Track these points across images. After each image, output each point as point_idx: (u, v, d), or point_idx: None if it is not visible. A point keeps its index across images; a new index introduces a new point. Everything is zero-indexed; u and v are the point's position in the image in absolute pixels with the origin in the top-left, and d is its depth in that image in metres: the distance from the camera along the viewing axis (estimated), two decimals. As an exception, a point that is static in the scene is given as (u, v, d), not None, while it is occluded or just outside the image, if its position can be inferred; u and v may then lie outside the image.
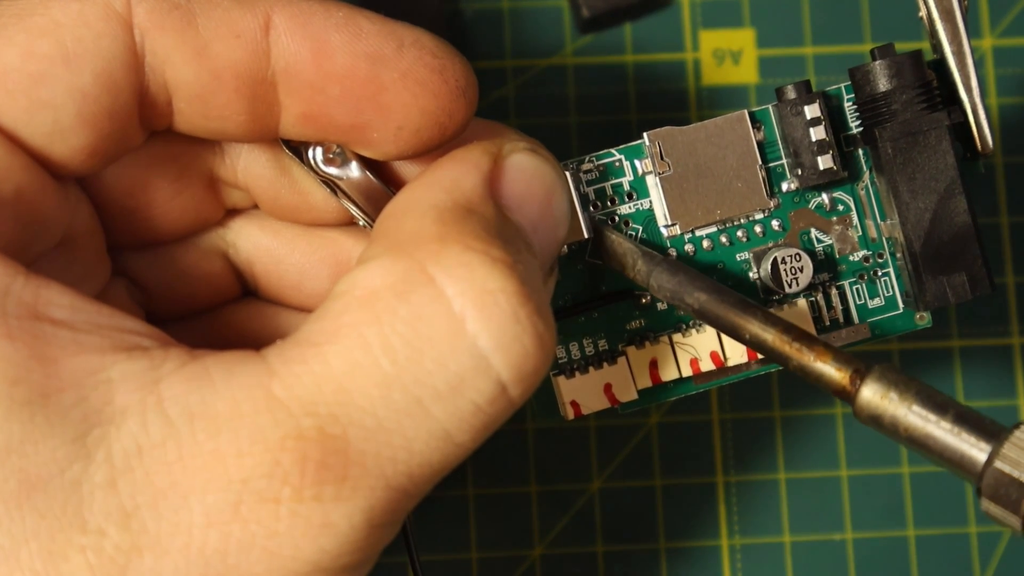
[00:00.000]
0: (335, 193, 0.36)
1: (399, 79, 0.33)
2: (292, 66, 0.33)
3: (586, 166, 0.38)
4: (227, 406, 0.29)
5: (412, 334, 0.30)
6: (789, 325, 0.34)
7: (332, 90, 0.33)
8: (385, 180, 0.36)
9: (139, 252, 0.37)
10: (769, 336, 0.34)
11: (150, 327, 0.31)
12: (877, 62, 0.37)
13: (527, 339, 0.30)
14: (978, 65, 0.48)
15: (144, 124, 0.34)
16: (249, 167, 0.37)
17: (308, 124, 0.34)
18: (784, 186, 0.38)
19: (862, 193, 0.39)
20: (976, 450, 0.32)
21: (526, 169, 0.34)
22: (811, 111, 0.38)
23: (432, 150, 0.35)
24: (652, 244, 0.38)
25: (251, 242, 0.38)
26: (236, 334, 0.38)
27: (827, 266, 0.39)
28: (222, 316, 0.39)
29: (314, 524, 0.29)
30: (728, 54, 0.48)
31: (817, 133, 0.38)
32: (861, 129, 0.38)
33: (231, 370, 0.30)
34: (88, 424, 0.29)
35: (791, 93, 0.38)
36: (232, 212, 0.38)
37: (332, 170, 0.36)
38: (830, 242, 0.39)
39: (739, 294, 0.35)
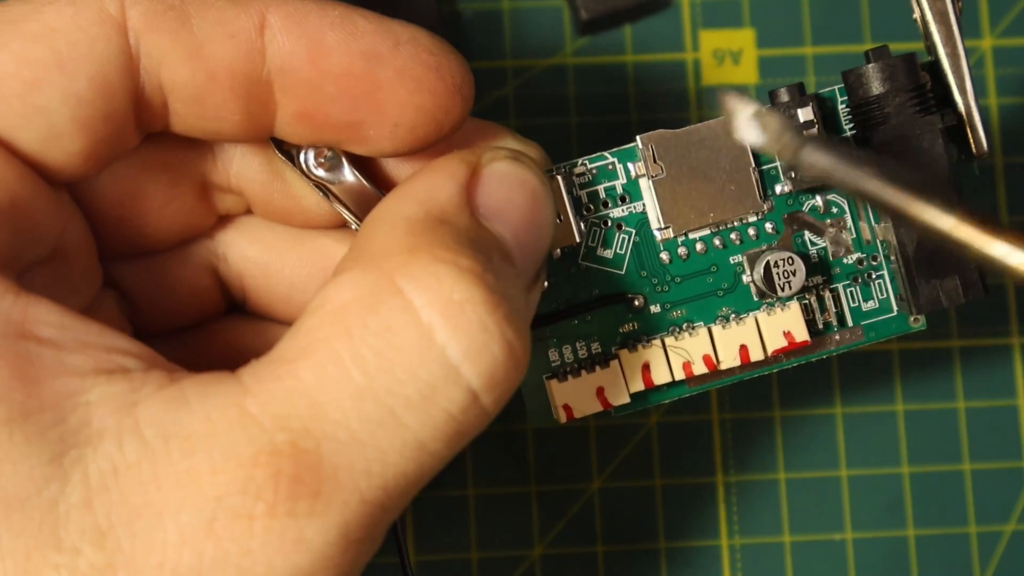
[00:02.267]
0: (327, 196, 0.36)
1: (395, 77, 0.34)
2: (288, 65, 0.33)
3: (579, 169, 0.38)
4: (202, 426, 0.29)
5: (382, 345, 0.30)
6: (971, 210, 0.30)
7: (328, 88, 0.34)
8: (377, 183, 0.36)
9: (129, 263, 0.37)
10: (947, 223, 0.30)
11: (137, 344, 0.31)
12: (870, 65, 0.37)
13: (496, 348, 0.30)
14: (978, 65, 0.48)
15: (139, 126, 0.34)
16: (242, 171, 0.37)
17: (303, 123, 0.34)
18: (777, 189, 0.38)
19: (856, 195, 0.39)
20: None
21: (506, 177, 0.33)
22: (804, 114, 0.38)
23: (428, 147, 0.35)
24: (645, 247, 0.38)
25: (242, 255, 0.38)
26: (223, 350, 0.38)
27: (821, 269, 0.39)
28: (210, 331, 0.39)
29: (288, 540, 0.29)
30: (728, 54, 0.48)
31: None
32: (854, 132, 0.38)
33: (206, 391, 0.30)
34: (66, 445, 0.29)
35: (784, 96, 0.38)
36: (224, 220, 0.38)
37: (323, 174, 0.36)
38: (824, 245, 0.39)
39: (911, 171, 0.33)
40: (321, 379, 0.30)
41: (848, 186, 0.31)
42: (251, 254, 0.38)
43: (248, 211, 0.38)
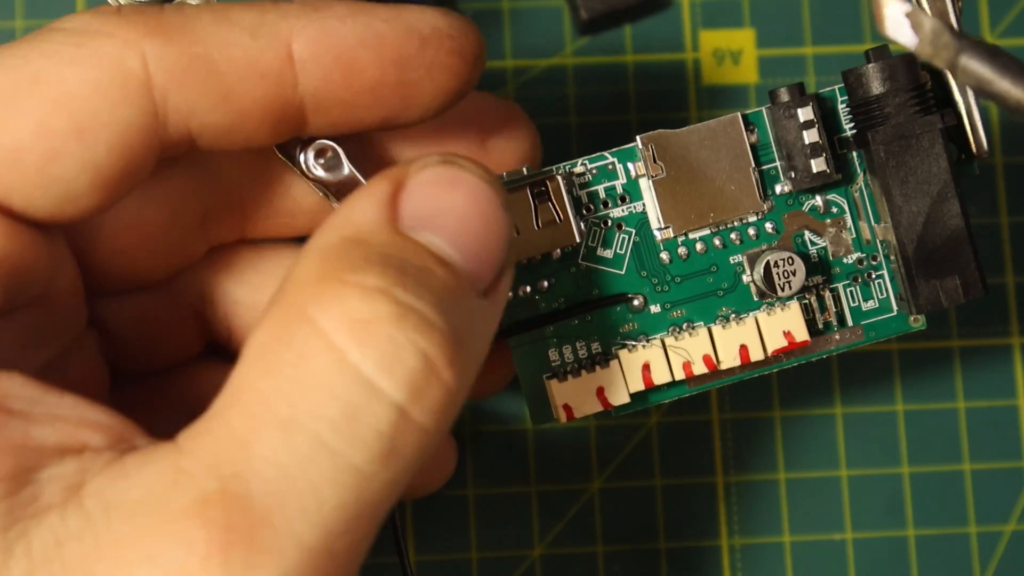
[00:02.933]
0: (327, 196, 0.36)
1: (425, 74, 0.34)
2: (321, 90, 0.33)
3: (579, 169, 0.38)
4: (141, 491, 0.29)
5: (301, 374, 0.29)
6: None
7: (362, 100, 0.34)
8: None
9: (115, 300, 0.37)
10: None
11: (108, 414, 0.31)
12: (870, 65, 0.37)
13: (409, 358, 0.30)
14: (978, 65, 0.48)
15: (158, 164, 0.34)
16: (242, 181, 0.37)
17: (334, 130, 0.34)
18: (777, 188, 0.38)
19: (856, 195, 0.39)
20: None
21: (436, 182, 0.33)
22: (804, 114, 0.38)
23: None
24: (645, 247, 0.38)
25: (228, 296, 0.38)
26: (205, 392, 0.37)
27: (821, 269, 0.39)
28: (191, 372, 0.39)
29: None
30: (728, 54, 0.48)
31: (810, 136, 0.38)
32: (854, 132, 0.38)
33: (145, 459, 0.29)
34: (12, 519, 0.28)
35: (784, 96, 0.38)
36: (212, 258, 0.38)
37: (323, 173, 0.36)
38: (824, 244, 0.39)
39: None
40: (249, 419, 0.29)
41: (1007, 99, 0.29)
42: (238, 296, 0.38)
43: (240, 239, 0.38)
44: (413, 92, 0.34)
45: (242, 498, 0.28)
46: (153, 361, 0.38)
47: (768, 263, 0.38)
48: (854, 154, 0.39)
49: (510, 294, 0.38)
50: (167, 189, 0.36)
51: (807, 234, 0.39)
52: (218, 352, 0.39)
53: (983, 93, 0.30)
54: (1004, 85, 0.29)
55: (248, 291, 0.38)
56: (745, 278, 0.38)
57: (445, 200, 0.32)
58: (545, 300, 0.38)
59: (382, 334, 0.29)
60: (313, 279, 0.30)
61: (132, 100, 0.32)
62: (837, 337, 0.39)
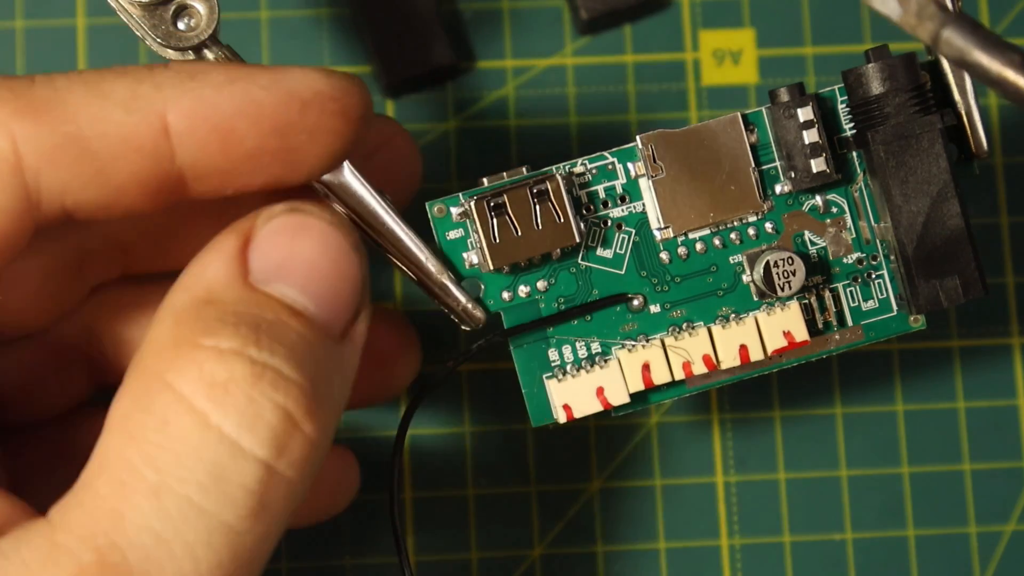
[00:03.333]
0: (328, 196, 0.36)
1: (308, 139, 0.33)
2: (200, 161, 0.33)
3: (579, 169, 0.38)
4: (18, 570, 0.29)
5: (165, 439, 0.30)
6: None
7: (244, 169, 0.33)
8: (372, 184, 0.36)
9: None
10: None
11: None
12: (870, 65, 0.37)
13: (268, 415, 0.30)
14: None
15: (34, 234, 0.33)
16: (120, 223, 0.36)
17: (218, 195, 0.34)
18: (777, 188, 0.38)
19: (856, 195, 0.39)
20: None
21: (283, 231, 0.33)
22: (804, 114, 0.38)
23: None
24: (645, 247, 0.38)
25: (117, 338, 0.38)
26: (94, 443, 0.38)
27: (821, 268, 0.39)
28: (80, 422, 0.38)
29: None
30: (728, 54, 0.48)
31: (810, 136, 0.38)
32: (854, 132, 0.38)
33: (19, 539, 0.30)
34: None
35: (784, 96, 0.38)
36: (96, 299, 0.38)
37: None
38: (824, 244, 0.39)
39: None
40: (118, 489, 0.29)
41: (987, 72, 0.29)
42: (126, 335, 0.38)
43: (124, 275, 0.37)
44: (297, 157, 0.33)
45: (119, 566, 0.29)
46: (42, 410, 0.38)
47: (768, 263, 0.38)
48: (854, 154, 0.39)
49: (510, 294, 0.38)
50: (40, 239, 0.35)
51: (807, 234, 0.39)
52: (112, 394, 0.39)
53: (964, 66, 0.30)
54: (984, 59, 0.29)
55: (135, 330, 0.38)
56: (745, 278, 0.38)
57: (293, 249, 0.32)
58: (545, 300, 0.38)
59: (240, 395, 0.30)
60: (169, 344, 0.31)
61: (2, 184, 0.31)
62: (837, 337, 0.39)
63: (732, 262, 0.38)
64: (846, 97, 0.38)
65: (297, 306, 0.32)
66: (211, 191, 0.33)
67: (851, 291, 0.39)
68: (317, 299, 0.32)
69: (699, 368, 0.38)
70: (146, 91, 0.32)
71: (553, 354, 0.38)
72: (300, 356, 0.31)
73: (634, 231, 0.38)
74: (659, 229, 0.38)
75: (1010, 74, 0.29)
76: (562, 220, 0.37)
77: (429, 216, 0.37)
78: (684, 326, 0.38)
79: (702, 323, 0.38)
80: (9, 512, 0.31)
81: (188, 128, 0.32)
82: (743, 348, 0.38)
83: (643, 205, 0.38)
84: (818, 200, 0.39)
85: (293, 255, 0.32)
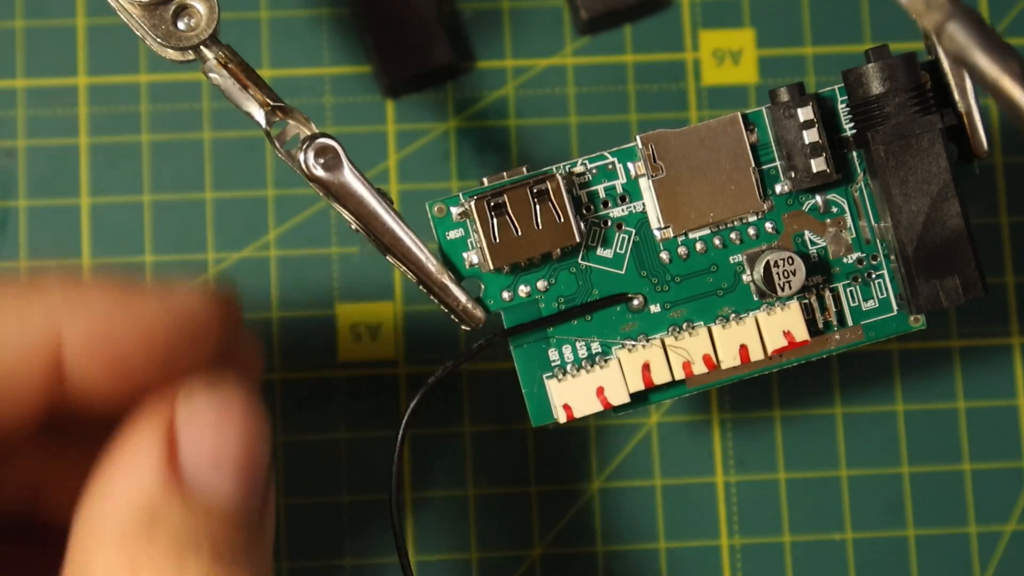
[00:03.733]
0: (327, 197, 0.36)
1: (191, 360, 0.33)
2: (87, 387, 0.33)
3: (579, 169, 0.38)
4: None
5: None
6: None
7: (124, 387, 0.33)
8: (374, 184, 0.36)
9: None
10: None
11: None
12: (870, 65, 0.37)
13: None
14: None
15: None
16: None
17: (90, 411, 0.34)
18: (777, 188, 0.38)
19: (856, 195, 0.39)
20: None
21: (207, 421, 0.32)
22: (804, 114, 0.38)
23: None
24: (645, 247, 0.38)
25: (36, 472, 0.37)
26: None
27: (821, 268, 0.39)
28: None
29: None
30: (728, 54, 0.48)
31: (810, 136, 0.38)
32: (854, 132, 0.38)
33: None
34: None
35: (784, 95, 0.38)
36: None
37: (323, 173, 0.36)
38: (824, 244, 0.39)
39: None
40: None
41: (984, 74, 0.29)
42: (47, 467, 0.36)
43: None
44: (175, 371, 0.33)
45: None
46: None
47: (768, 263, 0.38)
48: (854, 154, 0.39)
49: (510, 294, 0.38)
50: None
51: (807, 234, 0.39)
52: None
53: (962, 63, 0.29)
54: (983, 60, 0.29)
55: (63, 463, 0.36)
56: (745, 278, 0.38)
57: (219, 441, 0.32)
58: (545, 300, 0.38)
59: None
60: (122, 572, 0.30)
61: None
62: (837, 337, 0.39)
63: (732, 262, 0.38)
64: (846, 97, 0.38)
65: (235, 500, 0.32)
66: (87, 409, 0.33)
67: (851, 291, 0.39)
68: (248, 485, 0.32)
69: (699, 368, 0.38)
70: (37, 315, 0.32)
71: (553, 354, 0.38)
72: (243, 556, 0.31)
73: (634, 231, 0.38)
74: (659, 229, 0.38)
75: (1006, 81, 0.29)
76: (562, 220, 0.37)
77: (429, 216, 0.37)
78: (684, 326, 0.38)
79: (702, 323, 0.38)
80: None
81: (82, 357, 0.32)
82: (743, 348, 0.38)
83: (643, 205, 0.38)
84: (818, 200, 0.39)
85: (221, 442, 0.32)
